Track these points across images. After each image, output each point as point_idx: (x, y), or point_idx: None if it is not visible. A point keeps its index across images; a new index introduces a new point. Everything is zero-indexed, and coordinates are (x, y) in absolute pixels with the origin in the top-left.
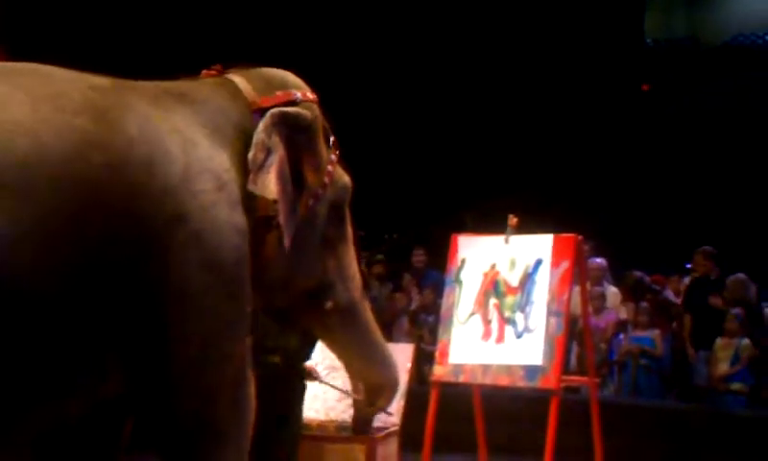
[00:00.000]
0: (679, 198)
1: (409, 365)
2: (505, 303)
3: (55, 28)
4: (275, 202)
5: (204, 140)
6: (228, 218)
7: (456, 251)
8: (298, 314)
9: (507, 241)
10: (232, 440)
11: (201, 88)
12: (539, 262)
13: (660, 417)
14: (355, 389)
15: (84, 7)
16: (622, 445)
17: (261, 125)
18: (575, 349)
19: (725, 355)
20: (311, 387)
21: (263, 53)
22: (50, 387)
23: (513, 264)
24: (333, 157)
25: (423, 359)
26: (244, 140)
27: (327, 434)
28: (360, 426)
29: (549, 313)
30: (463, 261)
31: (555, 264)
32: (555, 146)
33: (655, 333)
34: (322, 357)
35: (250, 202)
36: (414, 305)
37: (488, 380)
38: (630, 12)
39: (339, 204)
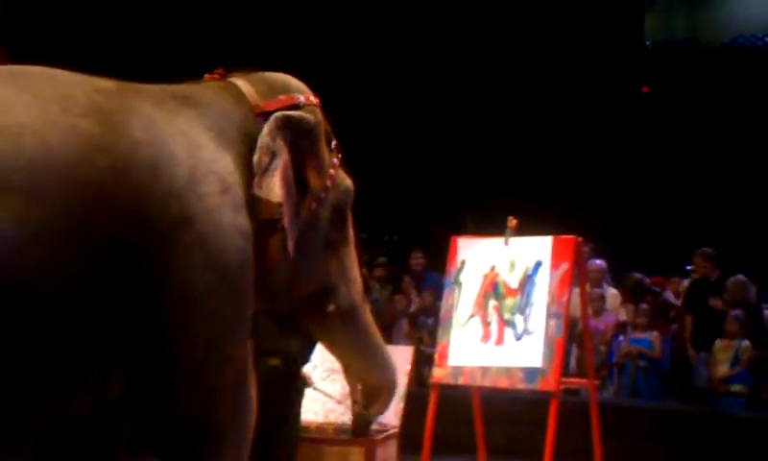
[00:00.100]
0: (678, 199)
1: (408, 367)
2: (504, 305)
3: (55, 29)
4: (279, 205)
5: (209, 143)
6: (232, 221)
7: (456, 253)
8: (299, 317)
9: (506, 243)
10: (232, 442)
11: (204, 92)
12: (538, 264)
13: (660, 419)
14: (353, 391)
15: (84, 8)
16: (622, 447)
17: (266, 128)
18: (574, 351)
19: (725, 357)
20: (310, 389)
21: (262, 56)
22: (54, 387)
23: (512, 266)
24: (335, 160)
25: (423, 361)
26: (247, 143)
27: (326, 436)
28: (360, 429)
29: (549, 315)
30: (462, 263)
31: (554, 266)
32: (555, 148)
33: (653, 335)
34: (321, 360)
35: (253, 205)
36: (413, 307)
37: (487, 382)
38: (629, 14)
39: (341, 207)
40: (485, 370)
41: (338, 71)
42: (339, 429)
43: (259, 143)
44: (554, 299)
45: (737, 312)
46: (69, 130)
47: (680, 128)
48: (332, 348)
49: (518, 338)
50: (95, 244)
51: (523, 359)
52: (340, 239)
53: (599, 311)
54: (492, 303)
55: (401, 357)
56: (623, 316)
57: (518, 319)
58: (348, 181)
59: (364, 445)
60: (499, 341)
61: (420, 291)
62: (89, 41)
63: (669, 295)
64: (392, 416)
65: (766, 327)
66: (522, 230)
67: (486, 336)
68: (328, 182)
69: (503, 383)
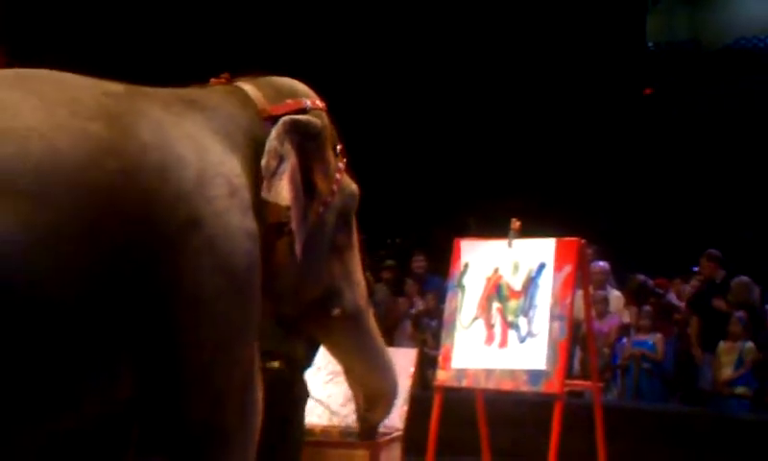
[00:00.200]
0: (681, 201)
1: (412, 370)
2: (508, 308)
3: (56, 30)
4: (287, 208)
5: (216, 146)
6: (240, 224)
7: (459, 255)
8: (304, 321)
9: (510, 245)
10: (239, 444)
11: (211, 95)
12: (542, 266)
13: (664, 421)
14: (356, 396)
15: (83, 9)
16: (625, 449)
17: (274, 132)
18: (578, 353)
19: (729, 359)
20: (314, 392)
21: (265, 61)
22: (62, 391)
23: (516, 268)
24: (341, 164)
25: (427, 364)
26: (254, 147)
27: (331, 439)
28: (366, 432)
29: (552, 317)
30: (466, 266)
31: (558, 268)
32: (557, 150)
33: (656, 337)
34: (325, 362)
35: (260, 208)
36: (416, 310)
37: (491, 385)
38: (631, 16)
39: (346, 211)
40: (489, 372)
41: (340, 74)
42: (344, 432)
43: (267, 147)
44: (557, 301)
45: (741, 314)
46: (78, 133)
47: (682, 129)
48: (335, 351)
49: (522, 340)
50: (104, 248)
51: (527, 361)
52: (345, 243)
53: (602, 313)
54: (496, 305)
55: (405, 360)
56: (626, 318)
57: (522, 321)
58: (353, 186)
59: (368, 448)
60: (503, 343)
61: (422, 293)
62: (90, 43)
63: (672, 297)
64: (396, 419)
65: None
66: (525, 233)
67: (489, 338)
68: (334, 187)
69: (507, 386)
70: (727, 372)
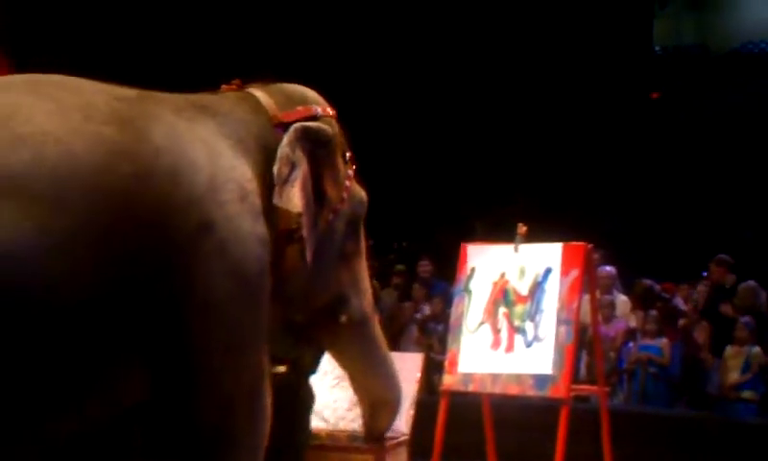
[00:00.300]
0: (688, 205)
1: (418, 374)
2: (514, 312)
3: (56, 31)
4: (298, 215)
5: (228, 151)
6: (251, 229)
7: (465, 260)
8: (312, 327)
9: (516, 250)
10: (248, 449)
11: (223, 101)
12: (548, 271)
13: (670, 425)
14: (361, 402)
15: (84, 11)
16: (632, 453)
17: (285, 139)
18: (584, 357)
19: (735, 364)
20: (320, 397)
21: (272, 67)
22: (74, 394)
23: (522, 273)
24: (350, 171)
25: (433, 368)
26: (265, 153)
27: (338, 443)
28: (371, 437)
29: (559, 322)
30: (472, 270)
31: (564, 273)
32: (564, 154)
33: (663, 342)
34: (332, 366)
35: (270, 214)
36: (422, 315)
37: (497, 390)
38: (638, 20)
39: (355, 218)
40: (495, 377)
41: (347, 77)
42: (351, 436)
43: (279, 153)
44: (564, 305)
45: (747, 319)
46: (93, 137)
47: (689, 133)
48: (340, 358)
49: (528, 345)
50: (118, 252)
51: (533, 366)
52: (353, 250)
53: (609, 318)
54: (502, 309)
55: (411, 364)
56: (633, 322)
57: (528, 326)
58: (362, 193)
59: (374, 452)
60: (509, 348)
61: (429, 298)
62: (91, 44)
63: (679, 301)
64: (402, 423)
65: None
66: (532, 237)
67: (496, 343)
68: (344, 194)
69: (513, 390)
70: (733, 376)
